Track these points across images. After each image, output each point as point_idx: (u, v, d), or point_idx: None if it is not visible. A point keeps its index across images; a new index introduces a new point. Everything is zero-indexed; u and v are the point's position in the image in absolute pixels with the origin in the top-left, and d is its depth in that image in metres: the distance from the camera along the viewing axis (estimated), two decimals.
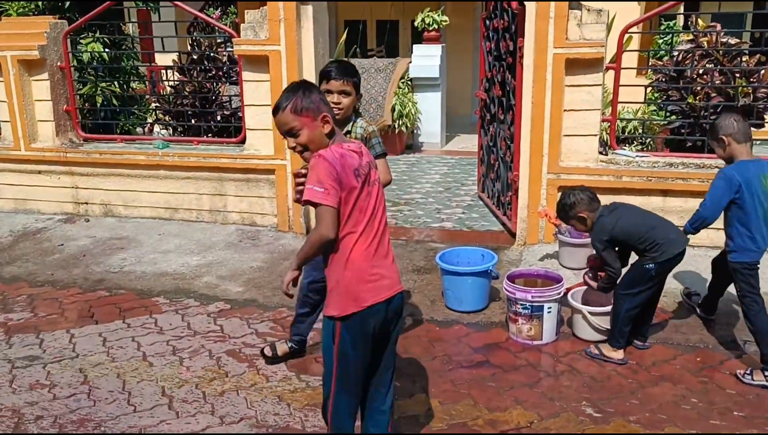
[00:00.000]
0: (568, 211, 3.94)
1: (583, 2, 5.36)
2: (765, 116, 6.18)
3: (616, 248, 3.90)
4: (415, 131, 10.74)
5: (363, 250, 2.53)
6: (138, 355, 4.05)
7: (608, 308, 4.05)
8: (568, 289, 4.33)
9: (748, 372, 3.71)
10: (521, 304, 4.08)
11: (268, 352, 3.91)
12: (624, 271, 3.94)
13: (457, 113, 12.43)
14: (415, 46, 10.79)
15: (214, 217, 6.59)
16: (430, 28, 10.52)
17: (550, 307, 4.07)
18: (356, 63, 10.57)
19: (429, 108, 10.64)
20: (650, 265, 3.76)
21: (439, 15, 10.52)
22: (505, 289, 4.21)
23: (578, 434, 3.24)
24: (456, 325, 4.43)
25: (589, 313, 4.08)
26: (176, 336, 4.27)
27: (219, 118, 7.36)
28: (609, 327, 4.00)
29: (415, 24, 10.75)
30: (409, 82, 10.47)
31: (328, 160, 2.46)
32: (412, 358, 3.98)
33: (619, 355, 3.88)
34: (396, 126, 10.11)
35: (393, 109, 10.08)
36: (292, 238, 6.10)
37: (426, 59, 10.43)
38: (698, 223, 3.82)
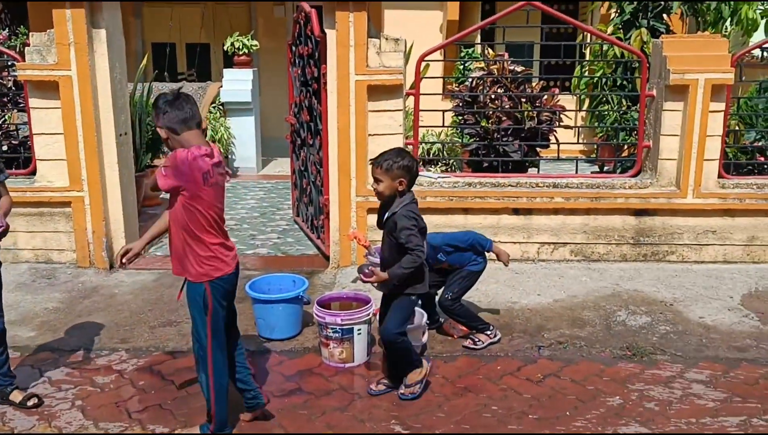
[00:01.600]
0: (400, 167, 3.58)
1: (389, 11, 5.55)
2: (550, 137, 6.75)
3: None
4: (229, 156, 10.53)
5: None
6: None
7: (415, 325, 4.20)
8: (377, 310, 4.43)
9: (478, 339, 4.41)
10: (332, 328, 4.11)
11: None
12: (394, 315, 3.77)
13: (272, 137, 12.36)
14: (225, 70, 10.62)
15: (2, 256, 5.97)
16: (240, 52, 10.41)
17: (360, 329, 4.13)
18: (164, 87, 10.20)
19: (243, 132, 10.50)
20: (415, 298, 3.82)
21: (248, 39, 10.44)
22: (315, 314, 4.22)
23: None
24: (269, 354, 4.36)
25: None
26: None
27: (6, 148, 6.75)
28: (417, 344, 4.14)
29: (225, 48, 10.59)
30: (221, 107, 10.28)
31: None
32: None
33: (424, 370, 3.84)
34: None
35: (205, 134, 9.83)
36: (93, 274, 5.71)
37: (237, 83, 10.30)
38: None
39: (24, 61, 5.60)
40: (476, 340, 4.42)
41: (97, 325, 4.77)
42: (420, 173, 6.00)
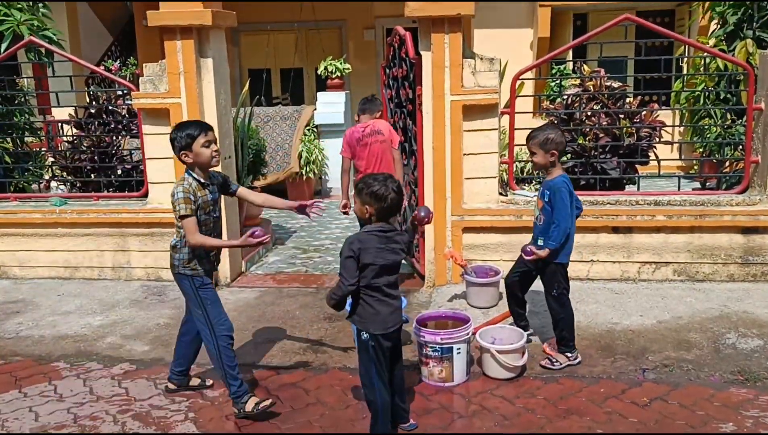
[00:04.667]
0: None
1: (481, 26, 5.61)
2: (649, 154, 6.57)
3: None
4: (323, 177, 10.79)
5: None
6: (35, 427, 3.83)
7: (515, 345, 4.18)
8: (477, 329, 4.44)
9: (556, 360, 4.25)
10: (431, 347, 4.14)
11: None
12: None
13: None
14: (319, 93, 10.92)
15: (117, 274, 6.37)
16: (333, 76, 10.69)
17: (459, 348, 4.14)
18: (261, 111, 10.60)
19: (336, 153, 10.69)
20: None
21: (341, 63, 10.71)
22: (415, 333, 4.26)
23: None
24: None
25: (497, 351, 4.17)
26: (77, 403, 4.07)
27: (120, 172, 7.17)
28: (517, 364, 4.13)
29: (319, 72, 10.89)
30: (315, 129, 10.56)
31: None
32: (325, 407, 3.95)
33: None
34: (303, 173, 10.14)
35: (300, 156, 10.12)
36: None
37: (331, 106, 10.57)
38: (563, 235, 4.17)
39: (138, 90, 5.97)
40: (554, 360, 4.29)
41: None
42: (515, 192, 5.99)
